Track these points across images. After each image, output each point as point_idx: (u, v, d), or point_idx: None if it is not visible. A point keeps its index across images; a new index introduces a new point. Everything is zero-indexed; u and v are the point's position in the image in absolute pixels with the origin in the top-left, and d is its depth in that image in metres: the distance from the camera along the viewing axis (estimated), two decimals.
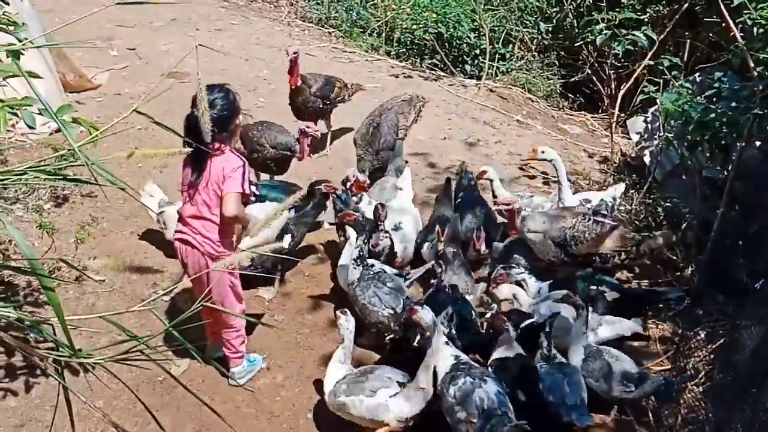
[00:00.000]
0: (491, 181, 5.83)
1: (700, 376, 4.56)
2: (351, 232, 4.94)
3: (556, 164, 5.72)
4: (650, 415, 4.43)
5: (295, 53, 6.73)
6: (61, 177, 2.39)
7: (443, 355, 4.04)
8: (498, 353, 4.26)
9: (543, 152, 5.83)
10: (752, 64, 5.22)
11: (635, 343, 5.05)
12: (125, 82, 8.39)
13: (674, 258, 5.80)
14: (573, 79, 9.31)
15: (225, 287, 4.29)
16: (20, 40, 3.01)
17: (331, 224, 5.84)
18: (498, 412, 3.76)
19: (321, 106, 7.09)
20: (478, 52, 9.76)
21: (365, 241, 4.83)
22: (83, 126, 2.81)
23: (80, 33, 8.68)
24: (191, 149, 3.83)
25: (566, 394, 4.05)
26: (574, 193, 5.85)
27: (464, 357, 4.14)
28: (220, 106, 4.01)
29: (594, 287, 4.91)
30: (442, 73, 9.70)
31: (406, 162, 6.58)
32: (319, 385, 4.62)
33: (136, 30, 9.52)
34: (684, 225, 6.01)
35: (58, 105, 6.51)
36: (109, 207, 6.03)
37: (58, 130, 2.40)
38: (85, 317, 2.62)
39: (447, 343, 4.14)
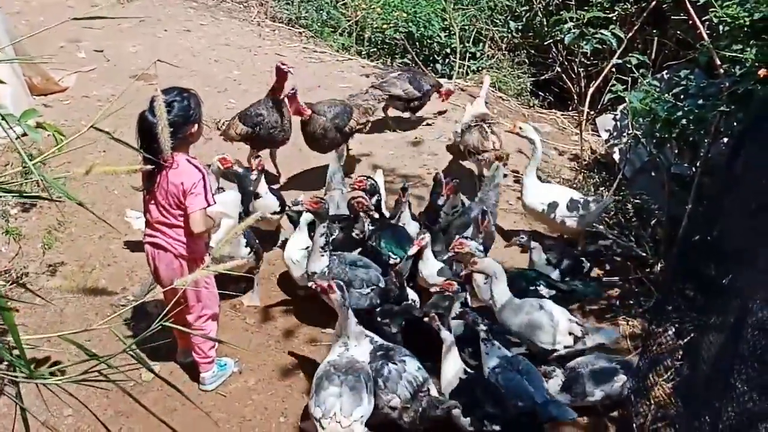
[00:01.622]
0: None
1: (669, 371, 4.59)
2: (303, 220, 5.05)
3: (535, 144, 5.97)
4: (620, 411, 4.46)
5: (293, 90, 6.31)
6: (17, 193, 2.35)
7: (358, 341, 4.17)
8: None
9: (521, 128, 6.10)
10: (718, 62, 5.27)
11: None
12: (93, 84, 8.29)
13: (644, 254, 5.84)
14: (543, 78, 9.34)
15: (201, 289, 4.23)
16: None
17: (293, 212, 5.62)
18: (425, 389, 4.03)
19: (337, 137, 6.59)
20: (448, 51, 9.75)
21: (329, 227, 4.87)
22: (48, 131, 2.77)
23: (47, 35, 8.52)
24: (152, 167, 3.78)
25: (533, 394, 4.07)
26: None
27: (377, 339, 4.28)
28: (174, 111, 3.89)
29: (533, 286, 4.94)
30: None
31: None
32: (291, 387, 4.61)
33: (103, 31, 9.40)
34: (653, 221, 6.06)
35: (24, 107, 6.48)
36: (77, 211, 5.96)
37: (25, 134, 2.35)
38: (45, 336, 2.57)
39: (357, 323, 4.25)
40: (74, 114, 7.49)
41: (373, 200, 5.46)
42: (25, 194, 2.33)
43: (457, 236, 5.03)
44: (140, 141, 3.86)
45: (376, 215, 5.43)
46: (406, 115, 7.85)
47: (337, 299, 4.06)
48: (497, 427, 3.91)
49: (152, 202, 4.05)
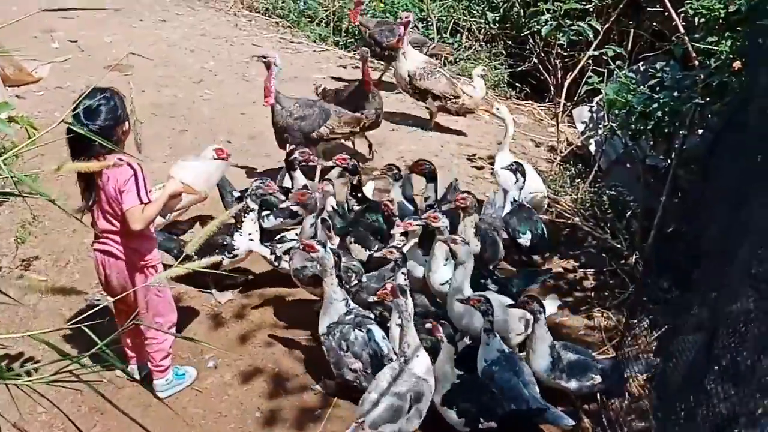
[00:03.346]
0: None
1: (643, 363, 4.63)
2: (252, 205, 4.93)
3: (507, 124, 6.23)
4: (597, 403, 4.49)
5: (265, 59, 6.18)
6: None
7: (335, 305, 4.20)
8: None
9: (498, 109, 6.43)
10: (693, 54, 5.31)
11: (581, 332, 5.13)
12: (67, 75, 8.21)
13: (618, 246, 5.88)
14: (520, 69, 9.35)
15: (152, 296, 4.13)
16: None
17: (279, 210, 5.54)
18: (389, 357, 4.16)
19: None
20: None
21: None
22: (21, 124, 2.73)
23: (19, 25, 8.41)
24: (124, 162, 3.72)
25: (528, 397, 4.01)
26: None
27: (353, 306, 4.36)
28: (103, 115, 3.72)
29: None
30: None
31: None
32: (267, 382, 4.59)
33: (77, 21, 9.30)
34: (628, 213, 6.09)
35: None
36: (50, 205, 5.87)
37: None
38: (18, 335, 2.54)
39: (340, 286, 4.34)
40: (48, 105, 7.41)
41: (354, 180, 5.52)
42: None
43: (433, 210, 4.99)
44: (72, 150, 3.70)
45: (355, 180, 5.51)
46: None
47: (400, 305, 3.98)
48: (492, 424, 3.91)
49: (98, 212, 3.93)
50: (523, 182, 5.62)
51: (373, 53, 8.16)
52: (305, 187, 5.30)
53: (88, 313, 2.33)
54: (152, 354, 4.34)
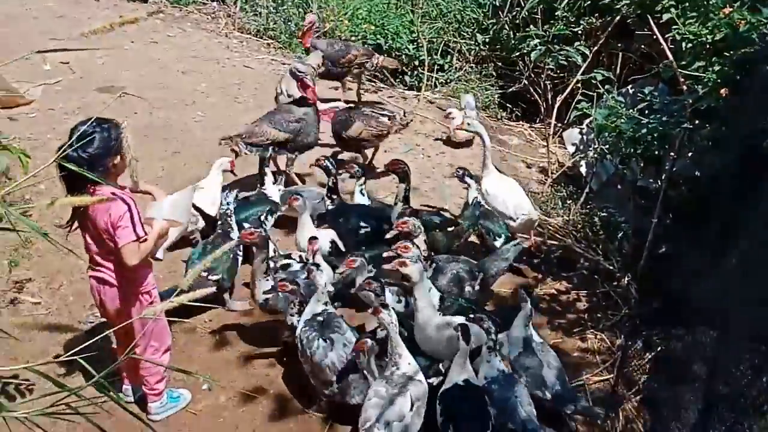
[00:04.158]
0: None
1: (637, 385, 4.66)
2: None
3: (482, 136, 6.18)
4: (591, 426, 4.51)
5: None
6: None
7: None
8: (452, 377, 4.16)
9: (468, 124, 6.44)
10: (681, 79, 5.38)
11: (575, 354, 5.14)
12: (59, 96, 8.21)
13: (611, 267, 5.91)
14: (510, 90, 9.41)
15: (149, 323, 4.10)
16: None
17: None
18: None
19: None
20: (417, 63, 9.80)
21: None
22: (13, 153, 2.75)
23: (11, 46, 8.47)
24: (116, 197, 3.73)
25: (526, 419, 3.99)
26: None
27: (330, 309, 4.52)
28: (95, 144, 3.70)
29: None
30: (382, 85, 9.73)
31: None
32: (262, 405, 4.59)
33: (69, 43, 9.29)
34: (620, 234, 6.13)
35: None
36: (44, 227, 5.87)
37: None
38: (15, 368, 2.54)
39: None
40: (40, 127, 7.41)
41: (330, 181, 5.99)
42: None
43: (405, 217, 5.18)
44: (64, 179, 3.69)
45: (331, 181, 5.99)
46: None
47: (385, 319, 4.01)
48: None
49: (89, 236, 3.93)
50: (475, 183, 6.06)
51: (328, 74, 8.26)
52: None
53: (86, 343, 2.33)
54: (147, 377, 4.35)
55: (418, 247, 4.64)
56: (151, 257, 4.11)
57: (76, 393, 2.08)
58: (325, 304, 4.50)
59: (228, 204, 5.50)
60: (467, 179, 6.10)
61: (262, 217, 5.95)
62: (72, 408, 2.06)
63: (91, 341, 2.36)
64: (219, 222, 5.52)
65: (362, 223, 5.71)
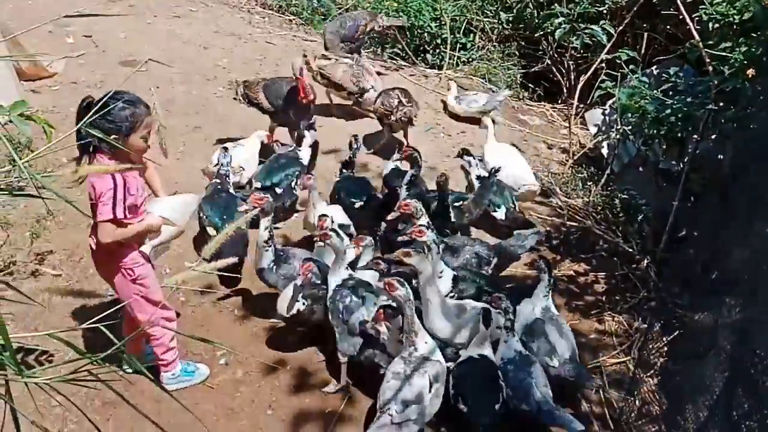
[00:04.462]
0: None
1: (655, 368, 4.64)
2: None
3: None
4: (605, 408, 4.51)
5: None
6: (5, 191, 2.34)
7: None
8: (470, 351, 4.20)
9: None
10: (708, 60, 5.30)
11: (592, 336, 5.13)
12: (82, 70, 8.24)
13: (630, 250, 5.87)
14: (533, 70, 9.34)
15: (133, 296, 4.09)
16: None
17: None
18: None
19: None
20: (439, 41, 9.74)
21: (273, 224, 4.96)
22: (38, 123, 2.76)
23: (34, 20, 8.49)
24: (140, 166, 3.73)
25: (541, 401, 4.01)
26: None
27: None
28: (112, 117, 3.67)
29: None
30: (403, 63, 9.68)
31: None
32: (278, 380, 4.62)
33: (92, 17, 9.32)
34: (640, 217, 6.09)
35: (13, 94, 6.42)
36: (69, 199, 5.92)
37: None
38: (35, 335, 2.56)
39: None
40: (63, 100, 7.44)
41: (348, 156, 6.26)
42: (13, 192, 2.32)
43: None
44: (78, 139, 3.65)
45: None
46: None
47: (401, 296, 3.97)
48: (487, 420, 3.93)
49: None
50: (477, 161, 6.24)
51: (350, 52, 8.23)
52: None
53: (106, 312, 2.35)
54: (154, 349, 4.39)
55: (432, 229, 4.66)
56: (138, 246, 4.09)
57: (96, 361, 2.10)
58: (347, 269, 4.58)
59: (225, 163, 5.68)
60: (466, 157, 6.32)
61: (293, 184, 6.04)
62: (93, 375, 2.08)
63: (110, 310, 2.37)
64: (216, 180, 5.65)
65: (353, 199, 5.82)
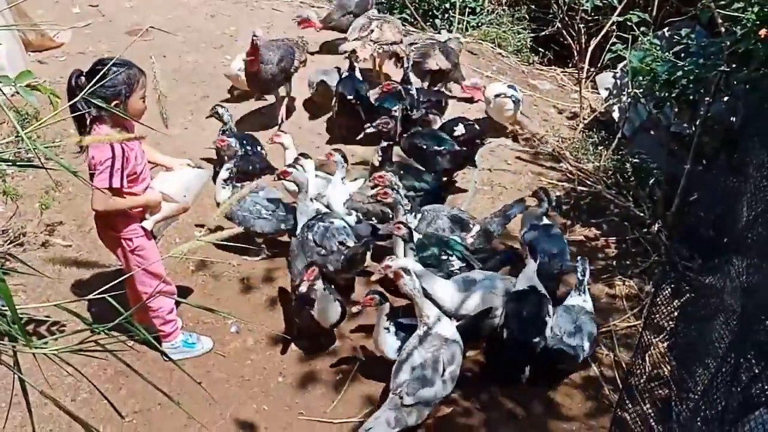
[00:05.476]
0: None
1: (664, 332, 4.63)
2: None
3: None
4: (615, 370, 4.52)
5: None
6: (11, 162, 2.33)
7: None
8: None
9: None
10: (720, 21, 5.22)
11: (602, 300, 5.12)
12: (88, 40, 8.22)
13: (641, 214, 5.84)
14: (543, 34, 9.23)
15: (131, 267, 4.12)
16: None
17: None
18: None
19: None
20: (447, 5, 9.61)
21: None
22: (44, 93, 2.75)
23: None
24: (142, 137, 3.72)
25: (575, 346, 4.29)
26: None
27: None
28: (110, 83, 3.65)
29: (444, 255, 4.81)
30: (412, 28, 9.57)
31: None
32: (289, 347, 4.64)
33: None
34: (651, 181, 6.04)
35: (20, 65, 6.39)
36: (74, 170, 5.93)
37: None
38: (44, 305, 2.57)
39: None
40: (69, 71, 7.30)
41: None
42: (18, 164, 2.32)
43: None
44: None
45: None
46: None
47: (407, 284, 3.94)
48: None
49: None
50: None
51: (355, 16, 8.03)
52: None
53: (114, 282, 2.35)
54: (153, 320, 4.41)
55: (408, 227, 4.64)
56: (139, 219, 4.09)
57: (104, 331, 2.10)
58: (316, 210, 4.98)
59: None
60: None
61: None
62: (101, 346, 2.09)
63: (116, 281, 2.37)
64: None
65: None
